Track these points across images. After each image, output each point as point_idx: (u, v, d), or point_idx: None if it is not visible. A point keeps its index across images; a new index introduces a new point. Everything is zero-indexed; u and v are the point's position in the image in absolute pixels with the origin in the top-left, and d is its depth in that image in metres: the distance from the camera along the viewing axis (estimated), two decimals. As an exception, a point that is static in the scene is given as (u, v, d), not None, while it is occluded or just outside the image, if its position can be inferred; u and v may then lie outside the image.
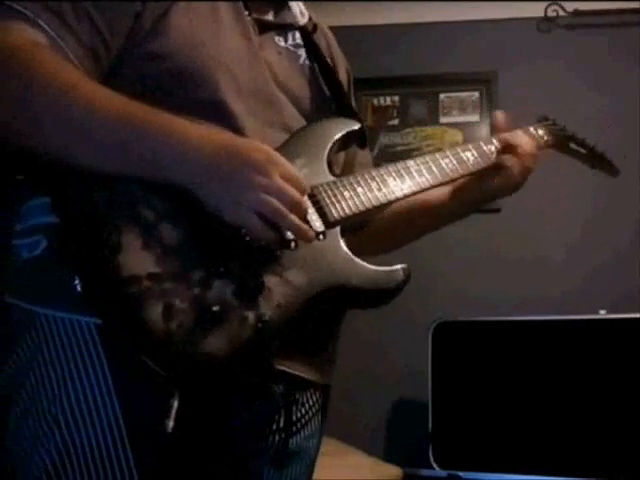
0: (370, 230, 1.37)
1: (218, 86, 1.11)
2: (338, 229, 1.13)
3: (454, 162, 1.32)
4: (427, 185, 1.27)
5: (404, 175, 1.24)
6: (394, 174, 1.23)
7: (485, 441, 2.92)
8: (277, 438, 1.15)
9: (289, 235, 1.03)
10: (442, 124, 3.50)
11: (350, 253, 1.13)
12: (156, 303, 0.95)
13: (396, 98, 3.55)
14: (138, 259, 0.96)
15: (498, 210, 3.36)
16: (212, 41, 1.14)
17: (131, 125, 1.00)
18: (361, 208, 1.16)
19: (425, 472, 2.94)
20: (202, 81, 1.10)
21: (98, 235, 0.97)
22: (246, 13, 1.20)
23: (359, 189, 1.17)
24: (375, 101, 3.55)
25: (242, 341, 0.98)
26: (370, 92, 3.52)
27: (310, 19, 1.31)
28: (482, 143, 1.38)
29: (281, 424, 1.16)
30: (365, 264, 1.14)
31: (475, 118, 3.47)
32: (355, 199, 1.16)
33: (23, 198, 1.11)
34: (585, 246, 3.24)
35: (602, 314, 2.98)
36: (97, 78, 1.07)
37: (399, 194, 1.22)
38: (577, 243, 3.25)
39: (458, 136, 3.47)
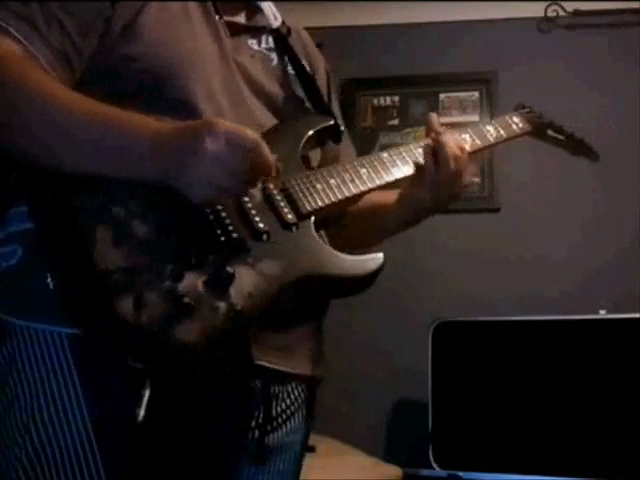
0: (342, 226, 1.36)
1: (188, 87, 1.13)
2: (312, 221, 1.16)
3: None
4: (401, 176, 1.29)
5: (377, 167, 1.27)
6: (367, 166, 1.26)
7: (485, 441, 2.92)
8: (256, 434, 1.16)
9: (261, 226, 1.08)
10: (442, 124, 3.49)
11: (324, 244, 1.16)
12: (127, 296, 0.97)
13: (396, 98, 3.55)
14: (109, 254, 0.99)
15: (498, 210, 3.36)
16: (183, 42, 1.15)
17: (104, 125, 1.04)
18: (333, 199, 1.19)
19: (425, 472, 2.94)
20: (173, 82, 1.12)
21: (70, 233, 1.01)
22: (217, 16, 1.22)
23: (332, 181, 1.20)
24: (375, 101, 3.55)
25: (214, 330, 1.00)
26: (370, 92, 3.52)
27: (283, 22, 1.32)
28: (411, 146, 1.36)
29: (260, 420, 1.16)
30: (339, 253, 1.16)
31: (475, 118, 3.46)
32: (327, 191, 1.19)
33: (5, 207, 1.12)
34: (585, 246, 3.24)
35: (602, 314, 2.98)
36: (69, 82, 1.09)
37: (371, 185, 1.25)
38: (577, 243, 3.25)
39: (458, 136, 3.47)
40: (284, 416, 1.20)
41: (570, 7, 3.37)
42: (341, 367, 3.24)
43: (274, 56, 1.30)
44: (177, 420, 1.05)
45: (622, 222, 3.22)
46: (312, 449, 2.63)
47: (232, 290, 1.02)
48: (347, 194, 1.21)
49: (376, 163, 1.27)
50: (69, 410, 1.03)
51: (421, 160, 1.31)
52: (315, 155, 1.30)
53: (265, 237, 1.09)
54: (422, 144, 1.34)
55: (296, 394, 1.23)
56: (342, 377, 3.24)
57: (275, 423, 1.19)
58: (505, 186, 3.34)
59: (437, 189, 1.30)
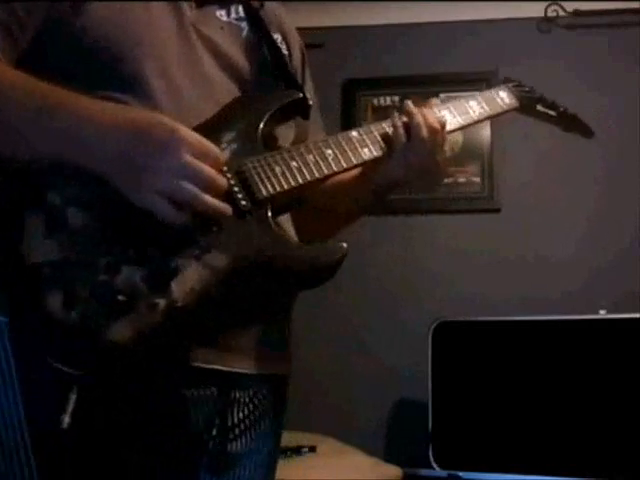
0: (307, 210, 1.25)
1: (139, 62, 1.07)
2: (268, 208, 1.06)
3: (402, 131, 1.22)
4: (370, 157, 1.19)
5: (345, 147, 1.16)
6: (334, 146, 1.15)
7: (485, 441, 2.92)
8: (214, 443, 1.10)
9: (208, 215, 0.98)
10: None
11: (281, 232, 1.07)
12: (56, 292, 0.92)
13: (396, 98, 3.54)
14: (40, 247, 0.94)
15: (498, 210, 3.36)
16: (134, 17, 1.10)
17: (39, 108, 0.99)
18: (293, 184, 1.09)
19: (425, 472, 2.94)
20: (122, 57, 1.07)
21: (1, 222, 0.95)
22: None
23: (293, 163, 1.09)
24: (375, 101, 3.54)
25: (150, 329, 0.94)
26: (370, 92, 3.52)
27: None
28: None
29: (219, 428, 1.10)
30: (297, 243, 1.08)
31: (475, 118, 3.46)
32: (287, 174, 1.08)
33: None
34: (585, 246, 3.24)
35: (602, 314, 2.98)
36: (12, 57, 1.05)
37: (336, 168, 1.14)
38: (577, 243, 3.25)
39: (458, 136, 3.47)
40: (247, 422, 1.13)
41: (570, 7, 3.37)
42: (341, 367, 3.24)
43: (244, 25, 1.23)
44: (117, 428, 0.99)
45: (622, 222, 3.22)
46: (312, 449, 2.63)
47: (173, 285, 0.95)
48: (309, 178, 1.10)
49: (344, 143, 1.16)
50: (4, 402, 0.98)
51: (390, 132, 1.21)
52: (286, 132, 1.22)
53: (215, 228, 1.00)
54: (390, 118, 1.24)
55: (260, 398, 1.16)
56: (342, 377, 3.24)
57: (237, 430, 1.12)
58: (505, 186, 3.34)
59: (408, 164, 1.22)
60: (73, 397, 0.91)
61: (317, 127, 1.35)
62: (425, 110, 1.26)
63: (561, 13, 3.38)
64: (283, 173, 1.08)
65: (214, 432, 1.09)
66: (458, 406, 2.98)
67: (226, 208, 1.00)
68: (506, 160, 3.31)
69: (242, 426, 1.13)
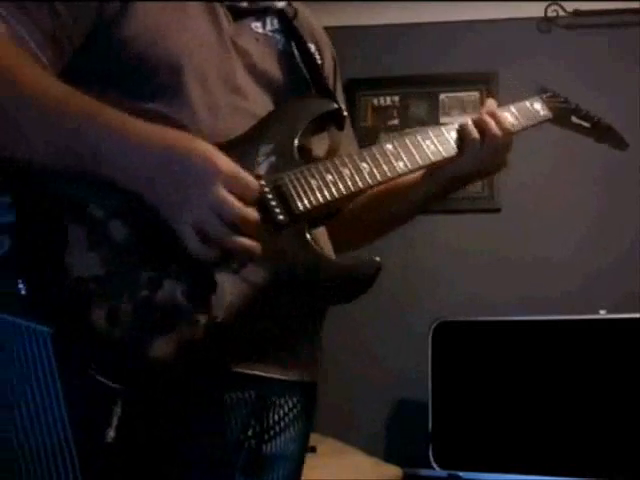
0: (341, 220, 1.27)
1: (179, 72, 1.08)
2: (304, 221, 1.08)
3: (436, 144, 1.26)
4: (405, 170, 1.20)
5: (380, 161, 1.17)
6: (369, 159, 1.16)
7: (485, 441, 2.92)
8: (250, 445, 1.11)
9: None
10: (442, 124, 3.50)
11: (316, 247, 1.08)
12: (101, 307, 0.92)
13: (396, 98, 3.55)
14: (84, 260, 0.94)
15: (498, 210, 3.36)
16: (177, 28, 1.11)
17: (70, 120, 0.97)
18: (329, 198, 1.09)
19: (425, 472, 2.94)
20: (163, 67, 1.07)
21: (45, 234, 0.95)
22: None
23: (329, 177, 1.10)
24: (375, 101, 3.55)
25: (191, 345, 0.95)
26: (370, 92, 3.52)
27: (289, 3, 1.26)
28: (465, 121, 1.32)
29: (255, 430, 1.11)
30: (332, 258, 1.09)
31: (475, 118, 3.47)
32: (323, 188, 1.09)
33: None
34: (585, 246, 3.24)
35: (602, 314, 2.98)
36: (58, 65, 1.05)
37: (372, 181, 1.15)
38: (577, 243, 3.25)
39: (458, 136, 3.48)
40: (282, 425, 1.16)
41: (570, 7, 3.37)
42: (341, 367, 3.24)
43: (280, 37, 1.24)
44: (158, 432, 1.00)
45: (622, 222, 3.22)
46: (312, 449, 2.63)
47: (213, 300, 0.97)
48: (344, 192, 1.11)
49: (378, 156, 1.17)
50: (49, 411, 0.98)
51: (431, 154, 1.24)
52: (320, 142, 1.22)
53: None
54: (431, 134, 1.26)
55: (294, 401, 1.18)
56: (342, 377, 3.24)
57: (272, 432, 1.14)
58: (506, 186, 3.34)
59: (479, 162, 1.30)
60: (118, 411, 0.92)
61: (349, 137, 1.37)
62: (499, 113, 1.32)
63: (561, 13, 3.38)
64: (319, 187, 1.09)
65: (250, 433, 1.11)
66: (458, 406, 2.98)
67: (255, 247, 0.98)
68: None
69: (277, 428, 1.15)
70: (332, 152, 1.27)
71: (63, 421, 0.98)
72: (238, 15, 1.20)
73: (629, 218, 3.21)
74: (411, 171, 1.22)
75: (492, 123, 1.30)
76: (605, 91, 3.29)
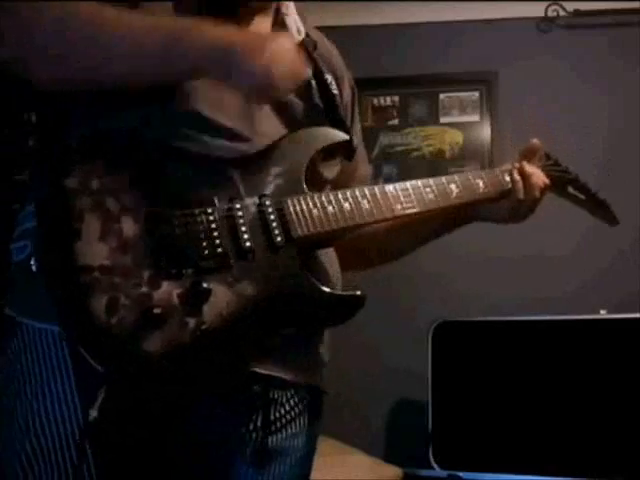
0: (352, 245, 1.34)
1: (192, 98, 1.12)
2: (297, 246, 1.12)
3: (436, 193, 1.30)
4: (400, 214, 1.26)
5: (380, 202, 1.23)
6: (370, 199, 1.22)
7: (485, 441, 2.92)
8: (255, 436, 1.16)
9: (248, 245, 1.06)
10: (442, 124, 3.50)
11: (307, 272, 1.12)
12: (102, 296, 0.97)
13: (396, 98, 3.55)
14: (94, 249, 0.99)
15: (498, 210, 3.36)
16: None
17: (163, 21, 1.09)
18: (327, 229, 1.15)
19: (425, 472, 2.95)
20: (180, 91, 1.11)
21: (61, 220, 1.00)
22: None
23: (329, 208, 1.16)
24: (375, 101, 3.55)
25: (177, 345, 1.00)
26: (370, 92, 3.52)
27: (308, 35, 1.31)
28: (497, 170, 1.42)
29: (259, 423, 1.17)
30: (319, 286, 1.12)
31: (475, 118, 3.47)
32: (323, 218, 1.15)
33: (22, 205, 1.14)
34: (585, 246, 3.24)
35: (602, 314, 2.98)
36: None
37: (369, 220, 1.21)
38: (577, 243, 3.25)
39: (458, 136, 3.48)
40: (283, 420, 1.20)
41: (570, 7, 3.37)
42: (341, 367, 3.24)
43: None
44: (163, 422, 1.06)
45: (622, 223, 3.22)
46: (312, 449, 2.63)
47: (205, 307, 1.02)
48: (342, 225, 1.17)
49: (379, 197, 1.23)
50: (65, 413, 1.05)
51: (428, 201, 1.30)
52: (331, 167, 1.28)
53: (250, 256, 1.07)
54: (431, 181, 1.31)
55: (297, 399, 1.23)
56: (342, 377, 3.24)
57: (274, 427, 1.19)
58: (505, 186, 3.33)
59: (517, 209, 1.42)
60: (102, 394, 0.97)
61: (363, 162, 1.42)
62: (537, 172, 1.44)
63: (561, 13, 3.38)
64: (319, 217, 1.15)
65: (254, 426, 1.16)
66: (458, 406, 2.98)
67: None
68: (506, 160, 3.30)
69: (278, 424, 1.19)
70: (346, 175, 1.33)
71: (77, 410, 1.04)
72: None
73: (629, 218, 3.21)
74: (405, 215, 1.28)
75: (537, 175, 1.43)
76: (605, 91, 3.30)
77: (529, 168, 1.43)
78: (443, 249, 3.35)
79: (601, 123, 3.25)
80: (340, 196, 1.19)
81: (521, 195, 1.41)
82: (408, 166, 3.48)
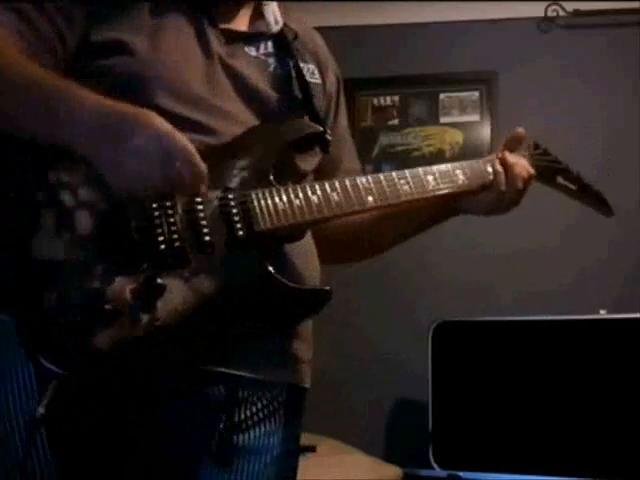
0: (334, 238, 1.32)
1: (153, 95, 1.11)
2: (260, 240, 1.09)
3: (411, 184, 1.28)
4: (372, 205, 1.22)
5: (350, 194, 1.18)
6: (340, 191, 1.17)
7: (485, 441, 2.92)
8: (218, 436, 1.14)
9: (207, 239, 1.04)
10: (442, 124, 3.50)
11: (267, 264, 1.09)
12: (53, 290, 0.97)
13: (396, 98, 3.55)
14: (47, 244, 0.99)
15: (498, 210, 3.35)
16: (164, 50, 1.14)
17: (38, 88, 1.04)
18: (291, 222, 1.12)
19: (425, 472, 2.94)
20: (138, 89, 1.10)
21: (17, 214, 1.01)
22: (207, 24, 1.20)
23: (296, 202, 1.12)
24: (375, 101, 3.55)
25: (129, 342, 0.99)
26: (370, 92, 3.52)
27: (286, 25, 1.29)
28: (480, 161, 1.35)
29: (224, 423, 1.14)
30: (282, 280, 1.10)
31: (475, 118, 3.47)
32: (288, 212, 1.11)
33: None
34: (585, 246, 3.24)
35: (602, 314, 2.98)
36: (58, 68, 1.09)
37: (338, 212, 1.17)
38: (577, 243, 3.25)
39: (458, 136, 3.47)
40: (255, 418, 1.17)
41: (570, 7, 3.37)
42: (341, 367, 3.24)
43: (272, 61, 1.26)
44: (120, 417, 1.06)
45: (623, 222, 3.22)
46: (312, 449, 2.63)
47: (160, 303, 1.00)
48: (308, 218, 1.13)
49: (350, 189, 1.18)
50: (24, 400, 1.04)
51: (407, 187, 1.27)
52: (308, 159, 1.25)
53: (209, 251, 1.05)
54: (407, 172, 1.29)
55: (270, 397, 1.19)
56: (342, 377, 3.24)
57: (244, 425, 1.16)
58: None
59: (500, 200, 1.35)
60: (50, 391, 0.97)
61: (349, 155, 1.41)
62: (521, 161, 1.36)
63: (561, 13, 3.38)
64: (284, 210, 1.11)
65: (220, 426, 1.14)
66: (458, 406, 2.98)
67: (201, 169, 1.04)
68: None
69: (248, 423, 1.17)
70: (330, 168, 1.31)
71: (35, 399, 1.03)
72: (231, 39, 1.23)
73: (629, 218, 3.21)
74: (378, 207, 1.24)
75: (521, 166, 1.35)
76: (605, 91, 3.30)
77: (512, 158, 1.35)
78: (443, 249, 3.36)
79: (601, 123, 3.25)
80: (308, 189, 1.15)
81: (503, 187, 1.33)
82: (408, 166, 3.43)
